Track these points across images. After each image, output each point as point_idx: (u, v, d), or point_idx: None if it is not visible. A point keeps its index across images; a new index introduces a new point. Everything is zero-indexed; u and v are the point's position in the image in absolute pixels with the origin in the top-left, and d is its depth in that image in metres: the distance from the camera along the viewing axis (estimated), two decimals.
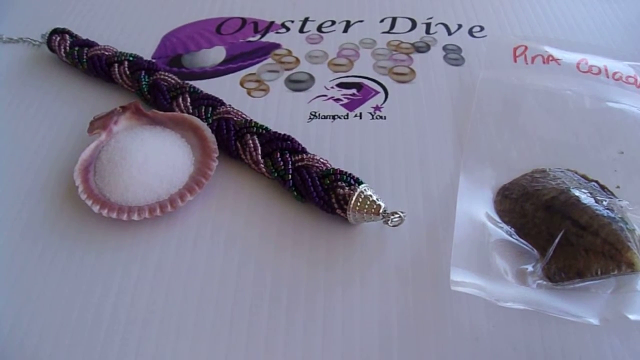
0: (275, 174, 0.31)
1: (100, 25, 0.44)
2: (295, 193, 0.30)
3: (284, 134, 0.32)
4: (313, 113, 0.37)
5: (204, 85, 0.36)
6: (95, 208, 0.30)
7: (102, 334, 0.26)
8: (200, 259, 0.29)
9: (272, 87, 0.39)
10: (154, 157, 0.31)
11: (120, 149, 0.31)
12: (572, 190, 0.28)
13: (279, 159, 0.31)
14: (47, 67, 0.41)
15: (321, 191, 0.29)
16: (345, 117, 0.36)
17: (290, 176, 0.30)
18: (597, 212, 0.27)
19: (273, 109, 0.37)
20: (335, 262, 0.28)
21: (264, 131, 0.32)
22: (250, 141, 0.32)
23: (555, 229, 0.27)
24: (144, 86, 0.36)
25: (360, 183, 0.29)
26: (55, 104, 0.38)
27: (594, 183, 0.30)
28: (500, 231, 0.28)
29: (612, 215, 0.27)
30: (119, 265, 0.29)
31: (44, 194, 0.32)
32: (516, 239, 0.28)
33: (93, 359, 0.25)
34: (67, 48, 0.39)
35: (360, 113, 0.37)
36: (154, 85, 0.36)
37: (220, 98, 0.35)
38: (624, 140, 0.33)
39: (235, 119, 0.33)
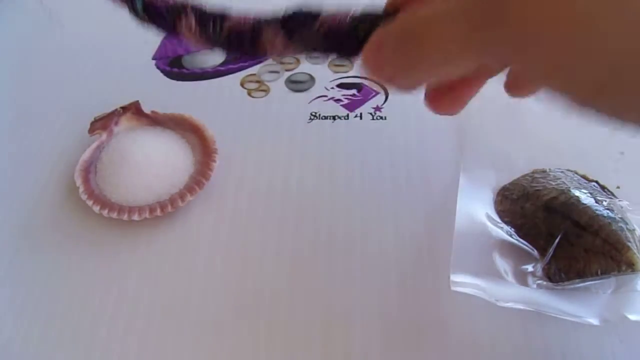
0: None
1: (100, 25, 0.44)
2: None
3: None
4: (313, 113, 0.37)
5: (205, 86, 0.36)
6: (96, 208, 0.30)
7: (103, 333, 0.26)
8: (201, 258, 0.29)
9: (272, 87, 0.39)
10: (155, 157, 0.31)
11: (121, 149, 0.31)
12: (572, 190, 0.28)
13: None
14: (48, 68, 0.41)
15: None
16: (346, 117, 0.36)
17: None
18: (597, 212, 0.27)
19: (273, 109, 0.37)
20: (335, 262, 0.28)
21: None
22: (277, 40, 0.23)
23: (555, 229, 0.27)
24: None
25: None
26: (55, 104, 0.38)
27: (594, 183, 0.30)
28: (500, 231, 0.28)
29: (612, 215, 0.27)
30: (119, 265, 0.29)
31: (45, 195, 0.32)
32: (516, 239, 0.28)
33: (94, 359, 0.25)
34: None
35: (361, 113, 0.37)
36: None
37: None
38: (624, 141, 0.33)
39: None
